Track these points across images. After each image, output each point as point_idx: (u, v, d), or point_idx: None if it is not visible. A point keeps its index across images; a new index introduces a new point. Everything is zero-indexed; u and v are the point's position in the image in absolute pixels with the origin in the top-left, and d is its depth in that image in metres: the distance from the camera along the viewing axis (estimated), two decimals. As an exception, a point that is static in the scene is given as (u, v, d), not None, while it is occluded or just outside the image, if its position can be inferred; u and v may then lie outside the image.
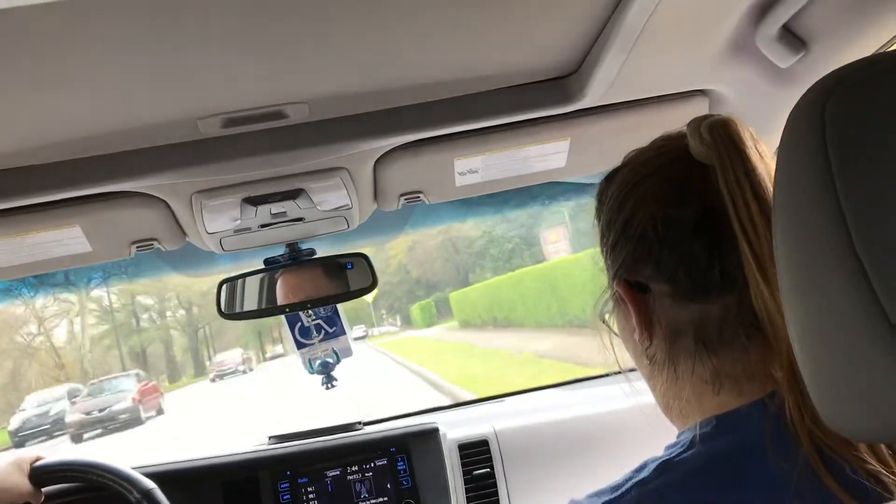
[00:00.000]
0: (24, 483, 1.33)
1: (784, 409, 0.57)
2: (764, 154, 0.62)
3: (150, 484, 1.37)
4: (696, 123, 0.64)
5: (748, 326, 0.61)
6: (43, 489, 1.38)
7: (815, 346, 0.46)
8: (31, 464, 1.36)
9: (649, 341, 0.67)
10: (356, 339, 26.90)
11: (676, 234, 0.63)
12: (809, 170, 0.45)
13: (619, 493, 0.60)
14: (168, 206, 1.16)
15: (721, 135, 0.62)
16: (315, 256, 1.47)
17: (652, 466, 0.61)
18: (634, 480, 0.61)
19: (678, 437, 0.65)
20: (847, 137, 0.43)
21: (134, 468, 1.42)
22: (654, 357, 0.67)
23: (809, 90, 0.48)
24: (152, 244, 1.26)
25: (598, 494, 0.62)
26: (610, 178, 0.72)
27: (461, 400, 2.65)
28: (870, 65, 0.46)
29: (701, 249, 0.62)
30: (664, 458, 0.61)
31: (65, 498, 1.44)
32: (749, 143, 0.61)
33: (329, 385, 1.65)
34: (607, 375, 2.19)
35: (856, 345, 0.42)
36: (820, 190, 0.44)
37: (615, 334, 0.73)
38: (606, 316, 0.73)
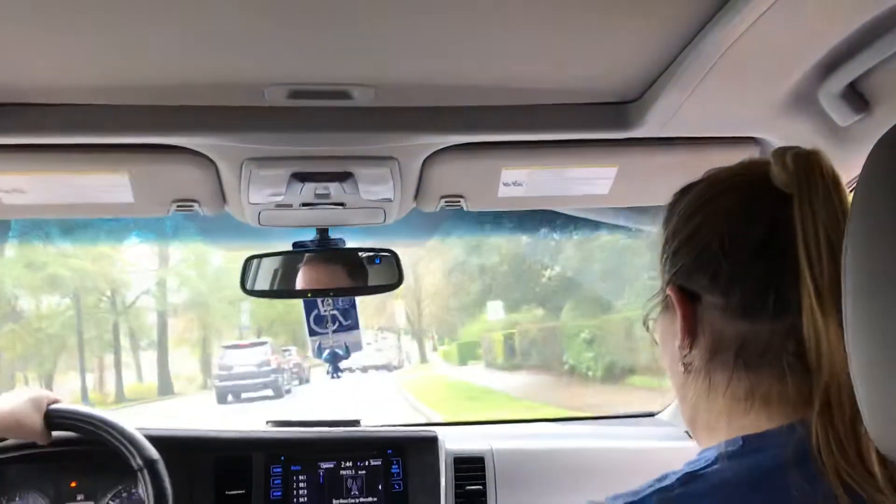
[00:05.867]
0: (38, 422, 1.33)
1: (811, 437, 0.58)
2: (842, 192, 0.63)
3: (156, 455, 1.35)
4: (782, 151, 0.66)
5: (791, 354, 0.62)
6: (53, 432, 1.37)
7: (882, 374, 0.46)
8: (47, 404, 1.36)
9: (689, 349, 0.68)
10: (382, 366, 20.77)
11: (739, 251, 0.64)
12: (887, 206, 0.45)
13: (639, 497, 0.61)
14: (216, 169, 1.18)
15: (805, 165, 0.63)
16: (344, 247, 1.48)
17: (674, 477, 0.62)
18: (656, 487, 0.61)
19: (700, 454, 0.65)
20: None
21: (137, 428, 1.40)
22: (690, 365, 0.69)
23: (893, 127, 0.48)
24: (192, 206, 1.27)
25: (616, 497, 0.62)
26: (686, 190, 0.74)
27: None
28: None
29: (760, 270, 0.63)
30: (688, 471, 0.62)
31: (70, 447, 1.43)
32: (830, 178, 0.63)
33: (335, 375, 1.65)
34: (610, 418, 2.18)
35: None
36: None
37: (655, 343, 0.75)
38: (651, 323, 0.75)
